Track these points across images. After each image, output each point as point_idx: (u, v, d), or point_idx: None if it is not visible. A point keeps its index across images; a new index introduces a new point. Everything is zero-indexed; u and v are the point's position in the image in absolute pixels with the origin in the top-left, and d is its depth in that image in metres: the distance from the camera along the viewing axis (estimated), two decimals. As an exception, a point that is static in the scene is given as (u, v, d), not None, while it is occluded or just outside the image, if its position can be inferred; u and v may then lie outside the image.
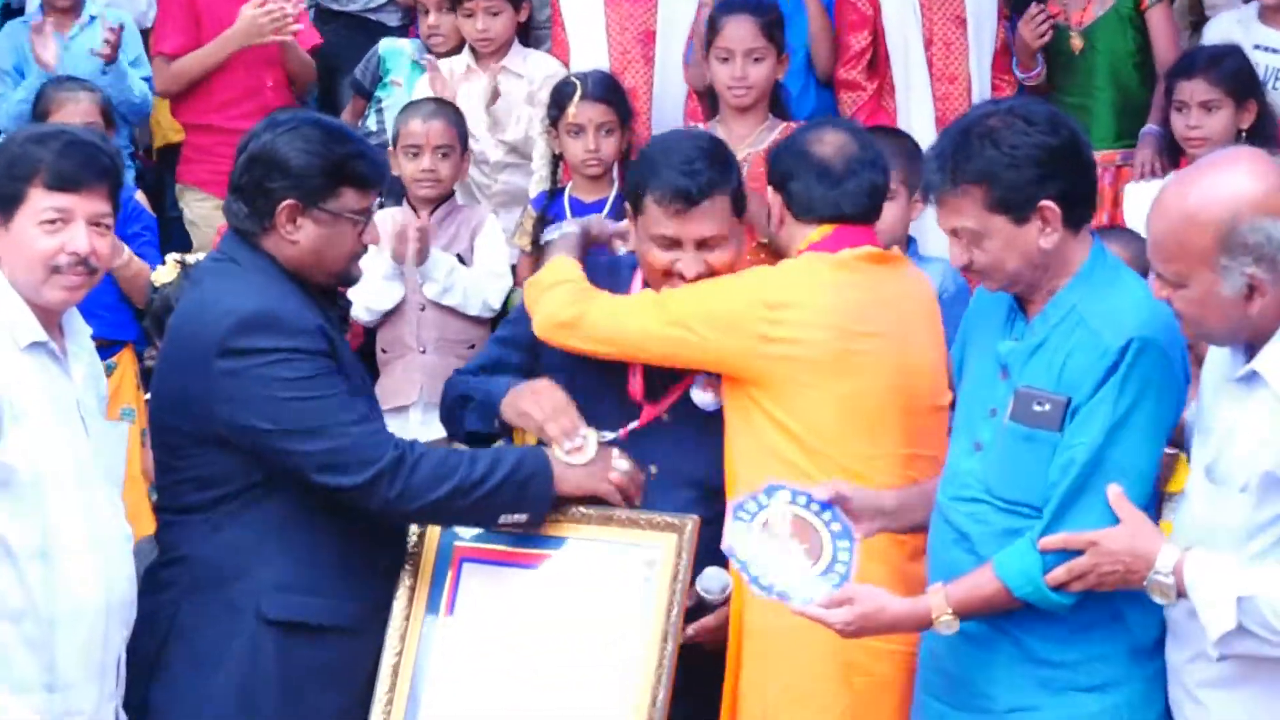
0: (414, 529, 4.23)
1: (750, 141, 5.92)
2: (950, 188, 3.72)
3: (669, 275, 4.29)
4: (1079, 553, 3.61)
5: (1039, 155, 3.67)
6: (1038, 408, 3.69)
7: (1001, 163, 3.67)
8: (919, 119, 6.37)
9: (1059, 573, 3.62)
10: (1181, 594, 3.49)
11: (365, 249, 4.22)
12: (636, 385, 4.38)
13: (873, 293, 4.25)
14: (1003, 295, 3.86)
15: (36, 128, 4.20)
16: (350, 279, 4.25)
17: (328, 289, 4.22)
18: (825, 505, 3.90)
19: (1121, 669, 3.74)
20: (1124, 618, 3.72)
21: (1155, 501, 3.97)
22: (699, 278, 4.27)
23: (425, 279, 5.84)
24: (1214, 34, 6.48)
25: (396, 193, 6.10)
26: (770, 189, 4.44)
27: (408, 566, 4.23)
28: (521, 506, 4.11)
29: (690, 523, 4.11)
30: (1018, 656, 3.78)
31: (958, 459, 3.90)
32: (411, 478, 3.99)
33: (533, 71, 6.54)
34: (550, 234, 4.84)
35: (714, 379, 4.32)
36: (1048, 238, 3.70)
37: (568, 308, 4.32)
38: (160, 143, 7.47)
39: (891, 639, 4.05)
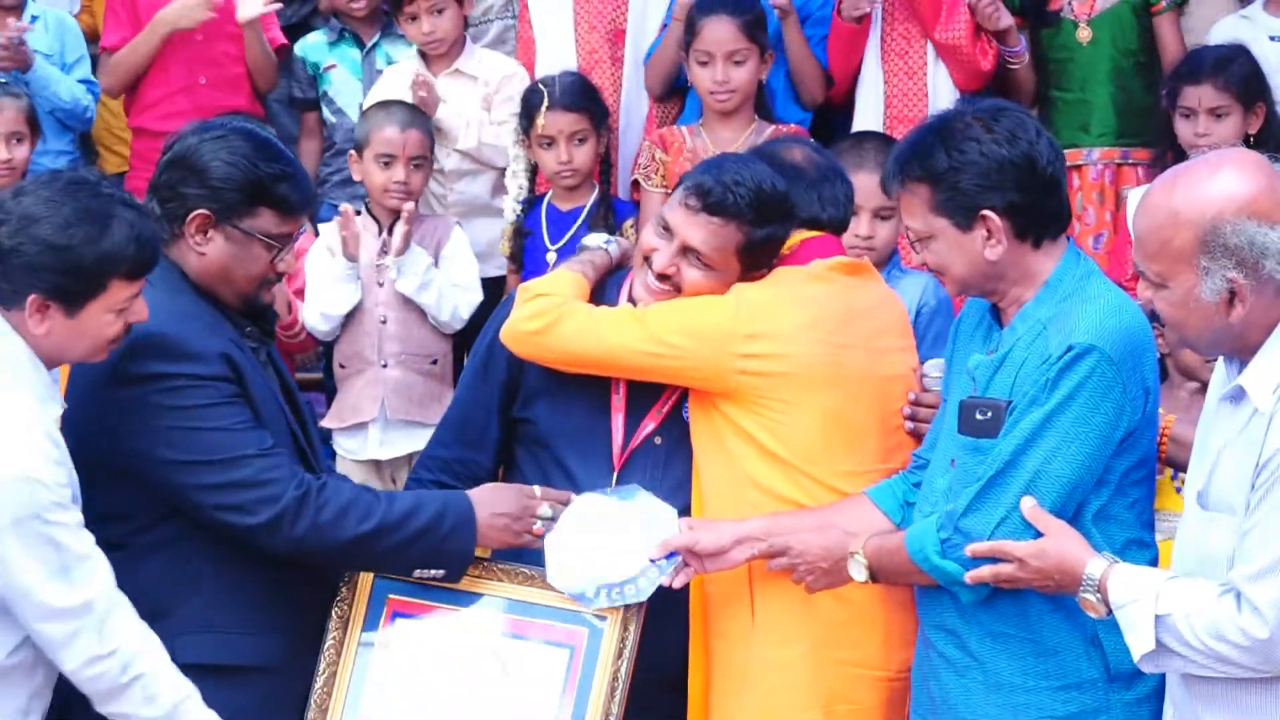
0: (344, 578, 4.05)
1: (737, 146, 5.66)
2: (900, 185, 3.75)
3: (647, 260, 4.19)
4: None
5: (985, 165, 3.65)
6: (979, 416, 3.69)
7: (947, 166, 3.67)
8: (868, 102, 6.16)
9: (984, 573, 3.57)
10: (1111, 610, 3.42)
11: (279, 276, 4.02)
12: (619, 404, 4.24)
13: (847, 303, 4.18)
14: (982, 307, 3.84)
15: (85, 201, 3.66)
16: (257, 304, 4.03)
17: (244, 307, 4.01)
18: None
19: (1099, 697, 3.67)
20: (1100, 643, 3.64)
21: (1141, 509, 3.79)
22: (660, 277, 4.16)
23: (401, 273, 5.57)
24: (1220, 35, 6.18)
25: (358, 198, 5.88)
26: None
27: (335, 617, 4.03)
28: (439, 561, 3.96)
29: None
30: (989, 684, 3.74)
31: (934, 476, 3.86)
32: (318, 517, 3.81)
33: (487, 73, 6.24)
34: (586, 240, 4.63)
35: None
36: (992, 249, 3.69)
37: (537, 318, 4.18)
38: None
39: (873, 665, 4.05)
